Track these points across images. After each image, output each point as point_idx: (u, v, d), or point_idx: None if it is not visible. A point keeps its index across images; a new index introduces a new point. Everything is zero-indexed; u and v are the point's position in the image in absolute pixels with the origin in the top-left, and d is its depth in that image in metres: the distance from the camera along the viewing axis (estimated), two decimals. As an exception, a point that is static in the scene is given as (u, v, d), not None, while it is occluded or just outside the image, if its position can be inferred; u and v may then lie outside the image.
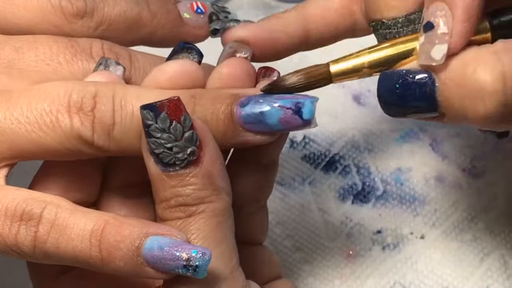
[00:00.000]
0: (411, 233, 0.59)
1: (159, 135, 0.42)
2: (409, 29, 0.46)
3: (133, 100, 0.44)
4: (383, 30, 0.46)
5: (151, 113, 0.42)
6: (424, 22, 0.43)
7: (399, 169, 0.61)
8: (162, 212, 0.44)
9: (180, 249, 0.41)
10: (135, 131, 0.44)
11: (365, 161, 0.62)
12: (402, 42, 0.45)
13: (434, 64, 0.42)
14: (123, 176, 0.48)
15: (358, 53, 0.45)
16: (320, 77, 0.46)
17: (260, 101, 0.45)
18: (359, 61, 0.45)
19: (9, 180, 0.45)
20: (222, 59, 0.48)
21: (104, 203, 0.48)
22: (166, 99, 0.42)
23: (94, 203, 0.48)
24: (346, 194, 0.61)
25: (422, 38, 0.43)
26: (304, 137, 0.62)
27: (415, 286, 0.57)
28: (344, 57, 0.46)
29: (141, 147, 0.43)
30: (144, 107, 0.42)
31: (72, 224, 0.43)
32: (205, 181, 0.43)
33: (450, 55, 0.42)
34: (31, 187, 0.46)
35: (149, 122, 0.42)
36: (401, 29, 0.46)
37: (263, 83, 0.46)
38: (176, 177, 0.43)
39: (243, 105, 0.45)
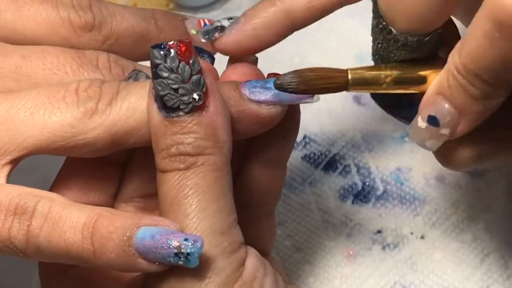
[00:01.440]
0: (411, 233, 0.59)
1: (166, 74, 0.42)
2: (415, 52, 0.45)
3: (138, 85, 0.45)
4: (389, 35, 0.46)
5: (161, 52, 0.42)
6: (430, 112, 0.44)
7: (399, 169, 0.61)
8: (161, 161, 0.43)
9: (171, 237, 0.41)
10: (135, 107, 0.44)
11: (365, 161, 0.62)
12: (421, 67, 0.45)
13: (424, 148, 0.45)
14: (138, 187, 0.48)
15: (378, 67, 0.46)
16: (337, 85, 0.46)
17: (264, 80, 0.46)
18: (379, 73, 0.45)
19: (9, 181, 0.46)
20: (228, 66, 0.49)
21: None
22: (178, 40, 0.42)
23: None
24: (346, 194, 0.61)
25: (422, 123, 0.44)
26: (304, 137, 0.62)
27: (415, 286, 0.57)
28: (364, 67, 0.46)
29: (147, 96, 0.43)
30: (154, 46, 0.42)
31: (65, 217, 0.42)
32: (208, 131, 0.43)
33: None
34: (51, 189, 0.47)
35: (158, 61, 0.42)
36: (406, 48, 0.45)
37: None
38: (179, 123, 0.43)
39: (247, 81, 0.46)
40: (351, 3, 0.51)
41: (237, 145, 0.46)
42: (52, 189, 0.47)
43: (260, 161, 0.48)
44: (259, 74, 0.48)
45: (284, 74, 0.45)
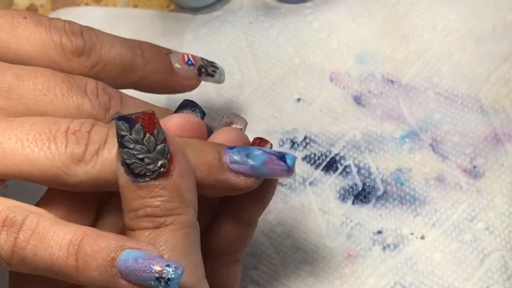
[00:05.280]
0: (411, 234, 0.59)
1: (132, 145, 0.44)
2: None
3: None
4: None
5: (126, 124, 0.44)
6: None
7: (399, 170, 0.61)
8: (130, 221, 0.45)
9: (154, 262, 0.43)
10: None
11: (365, 162, 0.62)
12: None
13: None
14: (115, 222, 0.48)
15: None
16: None
17: (246, 147, 0.47)
18: None
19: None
20: (218, 128, 0.50)
21: None
22: (141, 112, 0.44)
23: None
24: (347, 195, 0.61)
25: None
26: (305, 138, 0.62)
27: (415, 286, 0.58)
28: None
29: (115, 158, 0.45)
30: (119, 118, 0.44)
31: (52, 233, 0.44)
32: (174, 193, 0.45)
33: None
34: None
35: (123, 133, 0.44)
36: None
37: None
38: (146, 188, 0.44)
39: (230, 147, 0.47)
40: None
41: (209, 199, 0.48)
42: None
43: (232, 218, 0.50)
44: (245, 140, 0.49)
45: None
